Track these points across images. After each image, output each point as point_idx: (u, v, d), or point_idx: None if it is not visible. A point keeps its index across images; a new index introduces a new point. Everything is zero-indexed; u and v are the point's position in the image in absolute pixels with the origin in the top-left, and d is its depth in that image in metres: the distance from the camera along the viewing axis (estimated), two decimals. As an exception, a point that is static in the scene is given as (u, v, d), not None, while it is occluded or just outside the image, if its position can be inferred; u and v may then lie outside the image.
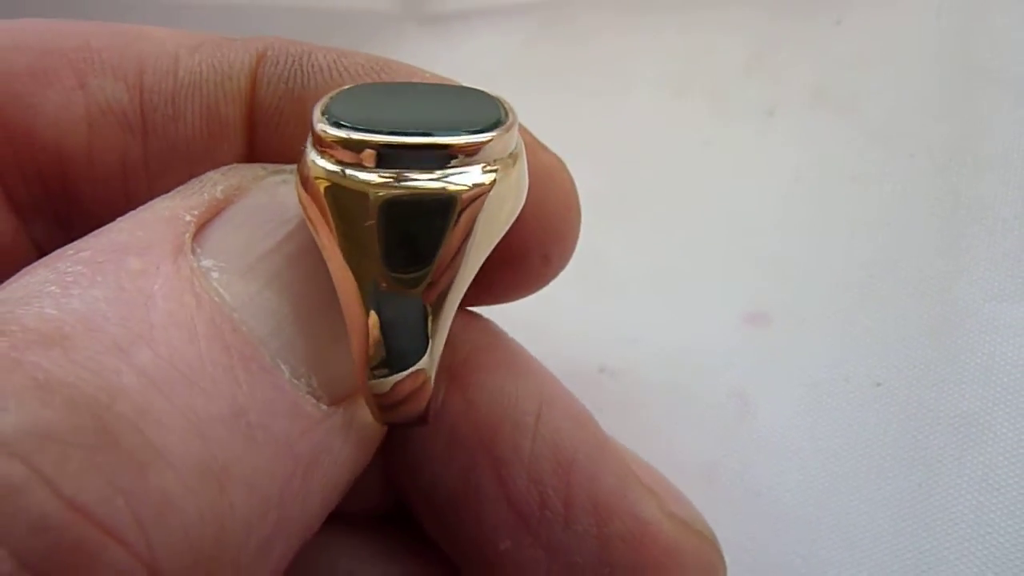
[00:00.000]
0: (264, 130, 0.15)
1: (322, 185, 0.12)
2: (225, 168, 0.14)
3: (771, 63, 0.24)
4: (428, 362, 0.12)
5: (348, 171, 0.11)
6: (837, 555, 0.18)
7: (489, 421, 0.14)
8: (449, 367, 0.15)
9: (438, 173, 0.12)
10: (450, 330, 0.13)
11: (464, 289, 0.13)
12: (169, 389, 0.10)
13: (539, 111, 0.27)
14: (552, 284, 0.23)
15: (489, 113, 0.12)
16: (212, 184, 0.13)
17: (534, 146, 0.15)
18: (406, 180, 0.11)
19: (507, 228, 0.13)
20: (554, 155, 0.16)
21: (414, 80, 0.13)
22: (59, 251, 0.12)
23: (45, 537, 0.09)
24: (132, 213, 0.13)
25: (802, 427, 0.20)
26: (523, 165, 0.13)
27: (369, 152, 0.11)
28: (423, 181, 0.11)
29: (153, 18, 0.31)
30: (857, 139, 0.22)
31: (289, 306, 0.12)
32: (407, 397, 0.13)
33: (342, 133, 0.11)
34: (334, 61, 0.14)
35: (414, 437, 0.15)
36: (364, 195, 0.11)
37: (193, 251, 0.12)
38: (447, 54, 0.29)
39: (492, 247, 0.13)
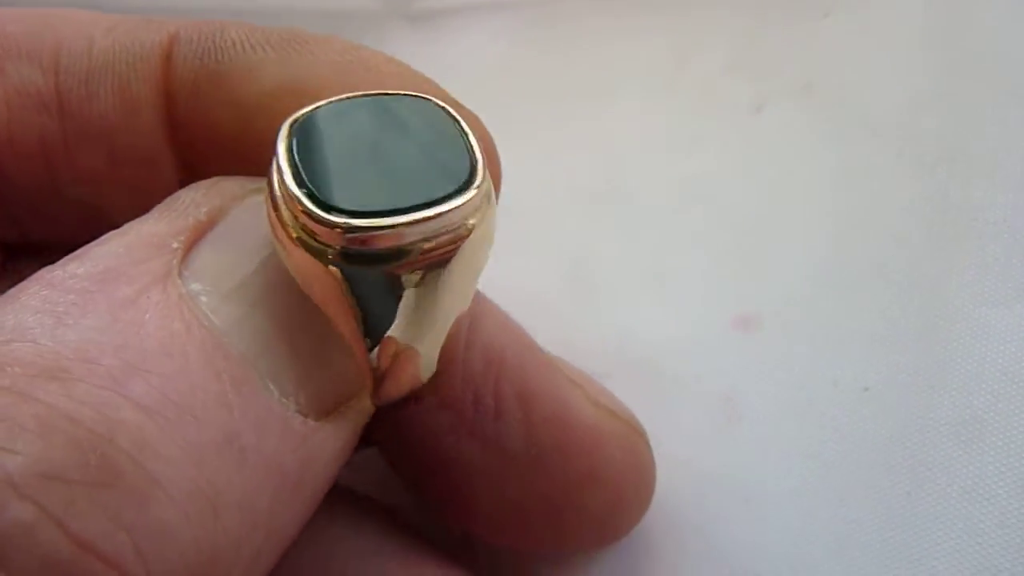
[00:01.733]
0: (183, 105, 0.15)
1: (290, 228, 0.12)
2: (208, 184, 0.14)
3: (758, 59, 0.23)
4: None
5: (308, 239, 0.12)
6: (826, 563, 0.18)
7: None
8: None
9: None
10: None
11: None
12: (164, 420, 0.11)
13: (526, 110, 0.27)
14: (538, 287, 0.23)
15: (457, 168, 0.13)
16: (195, 206, 0.13)
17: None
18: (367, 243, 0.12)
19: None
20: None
21: (352, 95, 0.13)
22: (47, 274, 0.12)
23: (55, 574, 0.10)
24: (116, 234, 0.13)
25: (790, 432, 0.19)
26: (492, 210, 0.13)
27: (336, 233, 0.12)
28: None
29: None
30: (845, 136, 0.21)
31: (275, 325, 0.13)
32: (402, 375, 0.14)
33: (310, 206, 0.12)
34: (246, 35, 0.15)
35: None
36: (325, 253, 0.12)
37: (181, 275, 0.12)
38: (434, 52, 0.29)
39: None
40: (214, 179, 0.14)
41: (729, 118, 0.23)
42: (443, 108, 0.13)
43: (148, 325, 0.12)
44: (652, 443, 0.20)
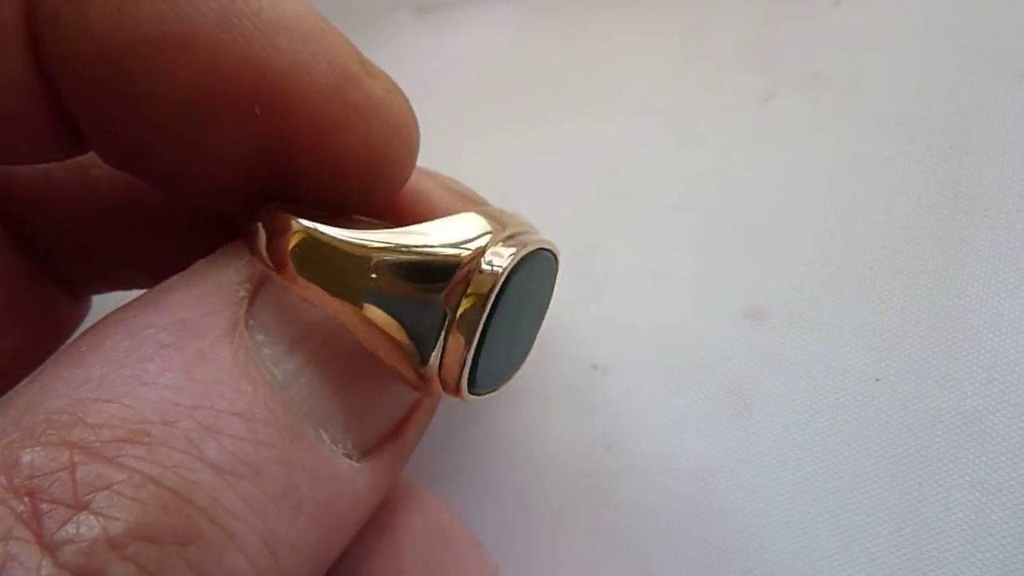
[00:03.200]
0: (48, 36, 0.14)
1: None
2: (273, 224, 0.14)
3: (767, 49, 0.23)
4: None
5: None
6: (835, 555, 0.18)
7: None
8: None
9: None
10: None
11: None
12: (234, 479, 0.12)
13: (533, 101, 0.27)
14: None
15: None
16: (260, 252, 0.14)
17: (358, 76, 0.15)
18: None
19: None
20: (381, 81, 0.15)
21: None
22: (127, 319, 0.13)
23: None
24: (186, 280, 0.14)
25: (800, 424, 0.19)
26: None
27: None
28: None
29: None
30: (855, 125, 0.21)
31: (329, 376, 0.14)
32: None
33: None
34: None
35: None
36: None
37: (247, 325, 0.14)
38: (440, 43, 0.29)
39: None
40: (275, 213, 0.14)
41: (737, 109, 0.23)
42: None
43: (219, 384, 0.13)
44: (660, 439, 0.20)
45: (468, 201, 0.18)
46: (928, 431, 0.18)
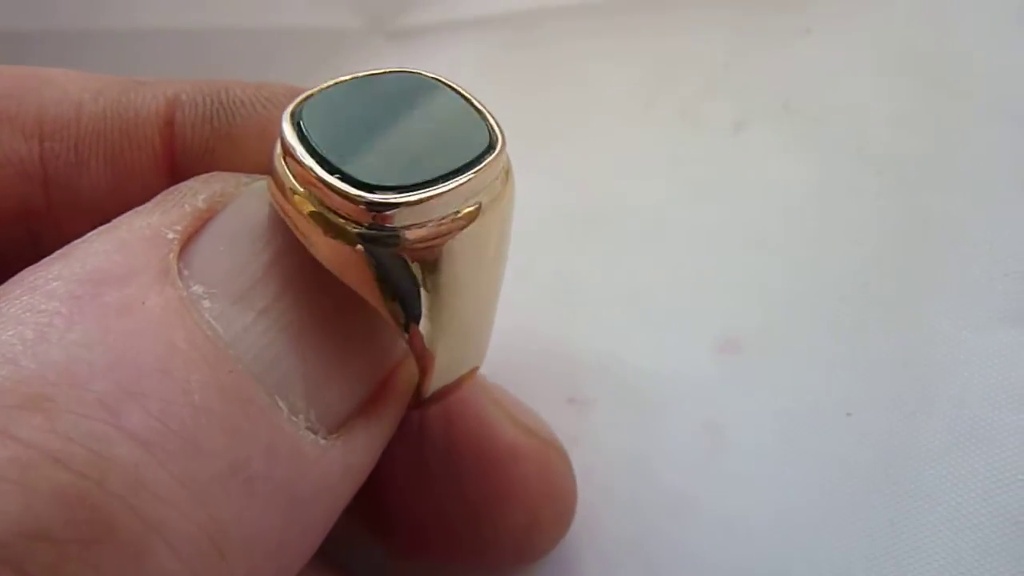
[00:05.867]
0: (191, 169, 0.14)
1: (305, 209, 0.11)
2: (204, 176, 0.13)
3: (737, 78, 0.23)
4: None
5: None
6: (809, 591, 0.18)
7: None
8: None
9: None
10: None
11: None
12: (164, 454, 0.10)
13: (506, 130, 0.27)
14: (519, 311, 0.23)
15: (475, 135, 0.12)
16: (192, 194, 0.12)
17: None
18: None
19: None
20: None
21: (343, 79, 0.13)
22: (24, 278, 0.11)
23: None
24: (105, 229, 0.12)
25: (773, 458, 0.19)
26: (511, 185, 0.13)
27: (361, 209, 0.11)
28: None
29: (114, 43, 0.31)
30: (825, 155, 0.21)
31: (284, 334, 0.11)
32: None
33: (330, 179, 0.11)
34: (253, 95, 0.14)
35: None
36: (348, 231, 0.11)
37: (180, 274, 0.11)
38: (415, 69, 0.29)
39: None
40: (212, 172, 0.13)
41: (709, 138, 0.23)
42: (450, 86, 0.13)
43: (144, 338, 0.10)
44: (636, 473, 0.20)
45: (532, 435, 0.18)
46: (899, 466, 0.18)
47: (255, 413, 0.11)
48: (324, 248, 0.11)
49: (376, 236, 0.11)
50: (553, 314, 0.22)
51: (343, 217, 0.11)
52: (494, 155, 0.12)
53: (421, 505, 0.17)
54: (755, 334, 0.20)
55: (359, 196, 0.11)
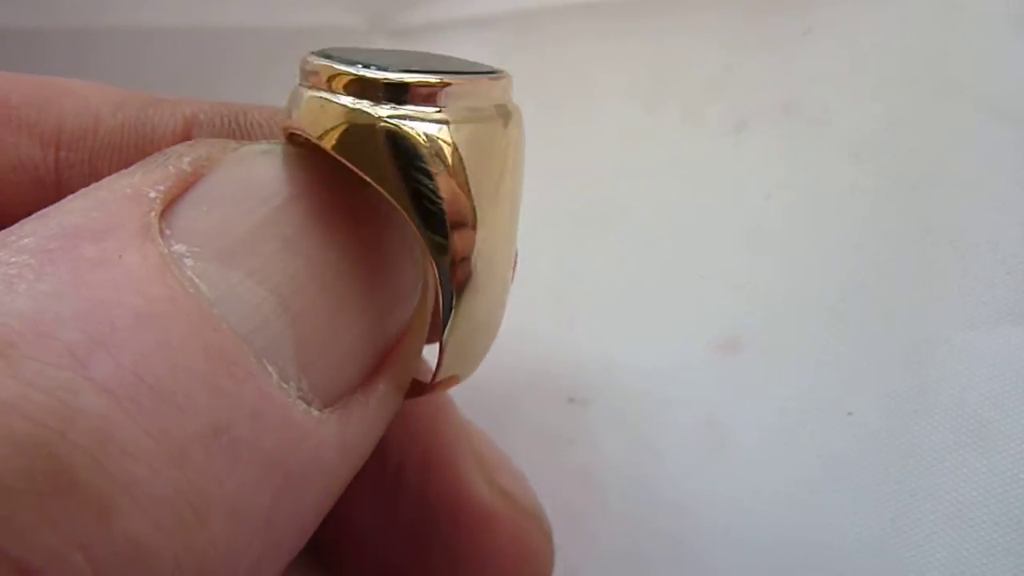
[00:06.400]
0: None
1: (340, 128, 0.11)
2: (190, 141, 0.12)
3: (739, 78, 0.23)
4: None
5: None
6: (810, 591, 0.18)
7: None
8: None
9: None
10: None
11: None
12: (136, 408, 0.09)
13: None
14: (520, 313, 0.23)
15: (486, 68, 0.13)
16: (177, 156, 0.11)
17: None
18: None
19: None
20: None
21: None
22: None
23: None
24: (83, 191, 0.11)
25: (774, 457, 0.19)
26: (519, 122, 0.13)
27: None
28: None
29: (116, 41, 0.31)
30: (825, 156, 0.21)
31: (276, 296, 0.11)
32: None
33: (353, 70, 0.11)
34: (271, 117, 0.14)
35: None
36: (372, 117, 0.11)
37: (162, 233, 0.10)
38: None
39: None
40: (198, 139, 0.13)
41: (710, 139, 0.23)
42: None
43: (120, 290, 0.09)
44: (636, 473, 0.20)
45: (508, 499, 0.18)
46: (900, 466, 0.18)
47: (240, 374, 0.10)
48: (353, 136, 0.11)
49: (414, 114, 0.11)
50: (553, 314, 0.22)
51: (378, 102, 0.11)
52: (505, 74, 0.13)
53: (388, 555, 0.17)
54: (755, 334, 0.20)
55: (397, 78, 0.11)
